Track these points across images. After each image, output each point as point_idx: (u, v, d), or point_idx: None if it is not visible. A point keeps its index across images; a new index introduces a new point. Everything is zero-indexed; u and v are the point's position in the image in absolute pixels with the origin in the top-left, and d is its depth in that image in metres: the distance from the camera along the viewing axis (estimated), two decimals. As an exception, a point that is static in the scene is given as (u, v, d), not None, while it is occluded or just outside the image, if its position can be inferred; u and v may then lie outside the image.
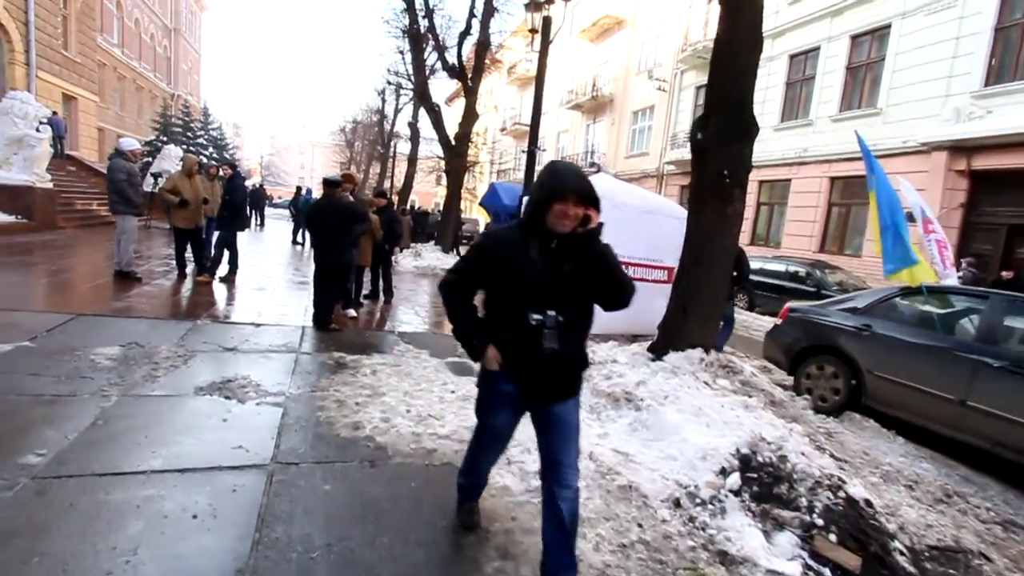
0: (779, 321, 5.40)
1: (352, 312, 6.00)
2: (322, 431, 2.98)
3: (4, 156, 9.76)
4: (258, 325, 5.13)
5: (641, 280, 6.67)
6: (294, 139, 72.62)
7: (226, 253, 7.22)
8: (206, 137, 33.29)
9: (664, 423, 3.12)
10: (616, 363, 4.18)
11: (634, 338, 6.79)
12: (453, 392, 3.87)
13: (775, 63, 15.54)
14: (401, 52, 22.95)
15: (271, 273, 8.78)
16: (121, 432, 2.67)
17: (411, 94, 25.93)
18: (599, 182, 6.92)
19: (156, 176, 17.51)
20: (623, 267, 1.85)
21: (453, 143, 12.18)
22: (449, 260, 12.24)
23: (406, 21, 17.25)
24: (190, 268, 7.30)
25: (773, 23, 15.54)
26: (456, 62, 12.34)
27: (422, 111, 21.86)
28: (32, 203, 9.88)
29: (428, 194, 48.01)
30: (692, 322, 4.08)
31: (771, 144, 15.50)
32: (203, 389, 3.35)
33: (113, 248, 6.62)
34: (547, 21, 7.96)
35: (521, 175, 29.74)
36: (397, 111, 27.88)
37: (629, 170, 22.67)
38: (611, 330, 6.66)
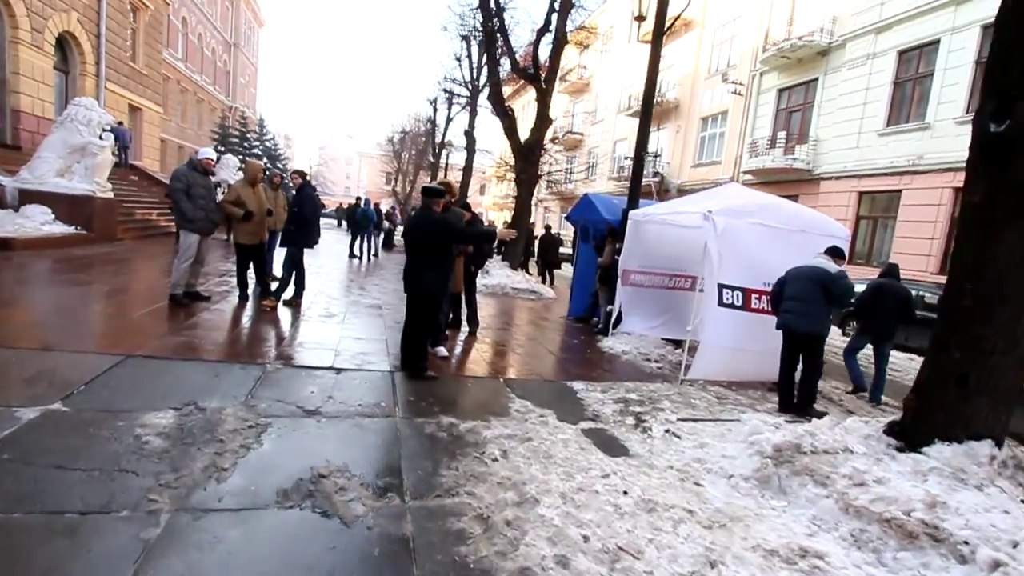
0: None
1: (443, 351, 4.93)
2: (482, 596, 1.85)
3: (66, 164, 9.35)
4: (338, 371, 4.11)
5: (798, 316, 5.30)
6: (341, 150, 73.99)
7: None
8: (261, 148, 33.79)
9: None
10: (852, 454, 2.90)
11: (773, 386, 5.45)
12: (625, 493, 2.69)
13: (880, 60, 13.85)
14: (458, 59, 22.42)
15: (336, 294, 7.88)
16: (173, 602, 1.61)
17: (464, 102, 25.37)
18: (737, 195, 5.63)
19: (216, 185, 17.35)
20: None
21: (525, 151, 11.12)
22: (519, 278, 11.14)
23: (470, 24, 16.54)
24: (251, 288, 6.46)
25: (876, 16, 13.91)
26: (531, 63, 11.33)
27: (478, 118, 21.18)
28: (92, 213, 9.42)
29: (473, 203, 47.55)
30: (978, 400, 2.75)
31: (874, 151, 13.82)
32: (289, 495, 2.28)
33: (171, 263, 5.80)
34: (663, 2, 6.82)
35: (572, 187, 28.52)
36: (449, 120, 27.32)
37: (697, 180, 21.12)
38: (745, 375, 5.34)
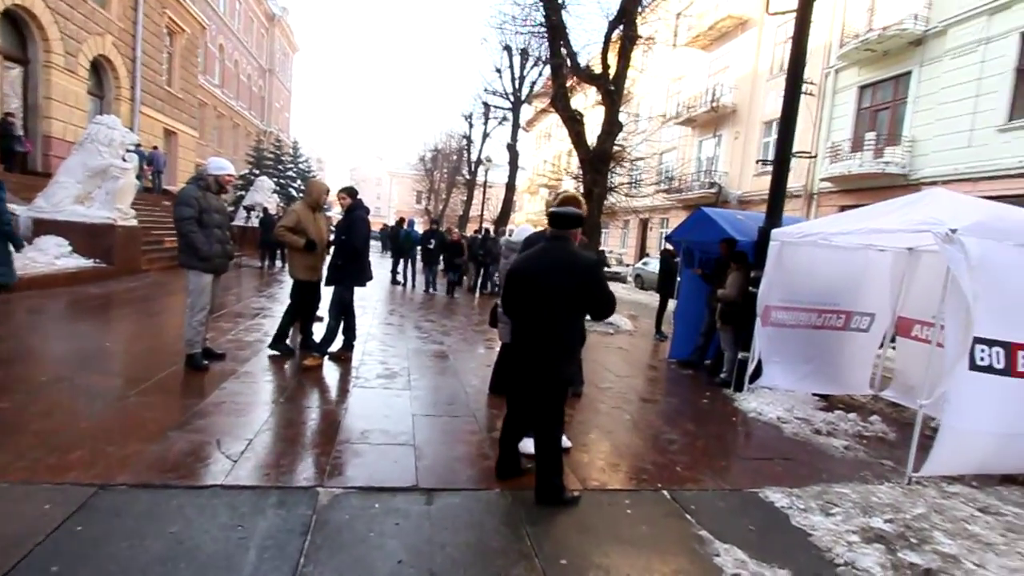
0: None
1: (567, 441, 3.39)
2: None
3: (86, 190, 8.34)
4: (428, 495, 2.62)
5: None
6: (372, 171, 74.39)
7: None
8: (295, 170, 33.48)
9: None
10: None
11: (1005, 479, 3.74)
12: None
13: (996, 45, 11.93)
14: (499, 70, 21.36)
15: (390, 338, 6.48)
16: None
17: (501, 116, 24.22)
18: (964, 205, 3.94)
19: (249, 209, 16.45)
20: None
21: (595, 160, 9.64)
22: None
23: (513, 31, 15.35)
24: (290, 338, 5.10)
25: (990, -6, 12.04)
26: (600, 62, 9.93)
27: (522, 131, 19.89)
28: (112, 244, 8.34)
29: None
30: None
31: (993, 149, 11.87)
32: None
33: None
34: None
35: (613, 202, 26.90)
36: (486, 135, 26.21)
37: (759, 190, 19.24)
38: (997, 467, 3.65)
